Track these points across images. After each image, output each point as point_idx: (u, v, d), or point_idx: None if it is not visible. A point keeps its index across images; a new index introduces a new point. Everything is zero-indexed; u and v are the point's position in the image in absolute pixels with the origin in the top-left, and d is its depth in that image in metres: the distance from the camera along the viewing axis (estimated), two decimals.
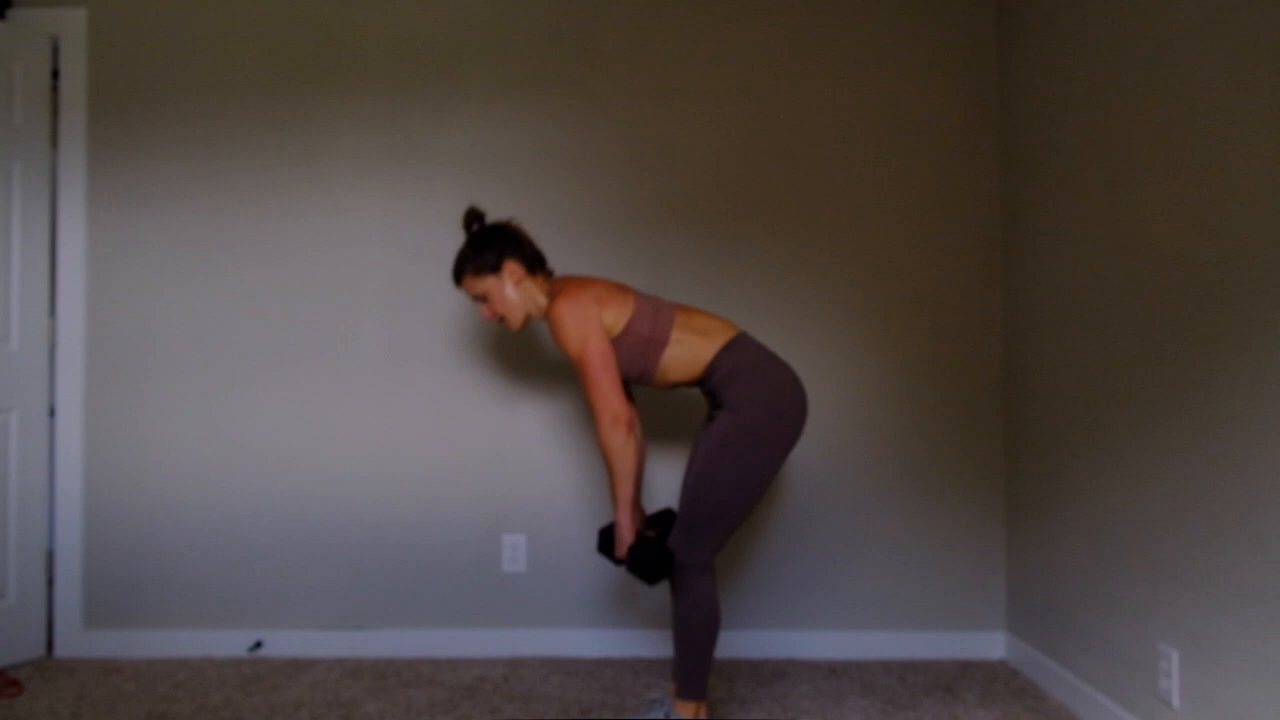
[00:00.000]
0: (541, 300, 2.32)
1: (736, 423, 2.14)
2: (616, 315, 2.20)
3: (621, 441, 2.14)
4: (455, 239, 3.02)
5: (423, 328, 3.02)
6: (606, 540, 2.31)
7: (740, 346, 2.22)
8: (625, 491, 2.17)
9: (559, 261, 3.00)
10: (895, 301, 3.00)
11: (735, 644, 2.97)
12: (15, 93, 2.92)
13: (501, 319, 2.33)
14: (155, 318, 3.04)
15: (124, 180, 3.05)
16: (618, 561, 2.27)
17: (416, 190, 3.04)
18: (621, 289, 2.27)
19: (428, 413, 3.02)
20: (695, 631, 2.15)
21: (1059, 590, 2.60)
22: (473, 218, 2.35)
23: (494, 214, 3.01)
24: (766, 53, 3.02)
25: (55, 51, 3.04)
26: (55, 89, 3.04)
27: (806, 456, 2.99)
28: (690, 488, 2.16)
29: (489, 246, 2.28)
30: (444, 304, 3.02)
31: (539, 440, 3.02)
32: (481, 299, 2.31)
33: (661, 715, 2.23)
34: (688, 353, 2.22)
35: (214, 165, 3.05)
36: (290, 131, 3.04)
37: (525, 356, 3.02)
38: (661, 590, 2.98)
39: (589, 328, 2.16)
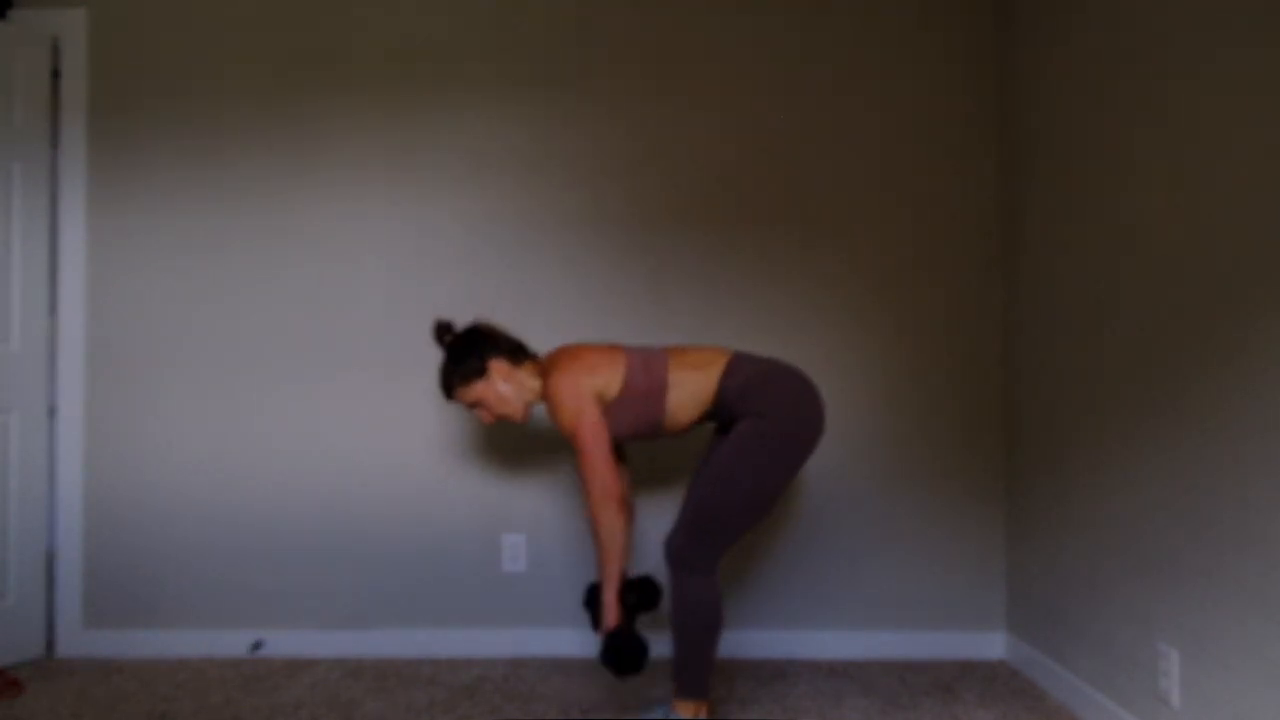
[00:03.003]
0: (535, 385, 2.31)
1: (758, 428, 2.12)
2: (609, 378, 2.19)
3: (612, 518, 2.12)
4: (456, 239, 3.02)
5: (423, 327, 3.02)
6: (593, 601, 2.30)
7: (741, 364, 2.22)
8: (613, 568, 2.15)
9: (559, 262, 3.01)
10: (895, 301, 3.00)
11: (735, 644, 2.97)
12: (15, 93, 2.92)
13: (502, 417, 2.32)
14: (155, 317, 3.05)
15: (124, 180, 3.05)
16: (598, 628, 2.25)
17: (417, 189, 3.04)
18: (610, 350, 2.26)
19: (428, 412, 3.02)
20: (696, 631, 2.15)
21: (1059, 590, 2.60)
22: (443, 330, 2.34)
23: (495, 213, 3.02)
24: (767, 53, 3.02)
25: (55, 52, 3.04)
26: (55, 89, 3.04)
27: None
28: (704, 489, 2.14)
29: (469, 353, 2.27)
30: (445, 303, 3.02)
31: (539, 440, 3.02)
32: (477, 405, 2.30)
33: (661, 715, 2.23)
34: (691, 391, 2.21)
35: (214, 165, 3.05)
36: (291, 131, 3.05)
37: None
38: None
39: (582, 401, 2.15)
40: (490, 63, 3.04)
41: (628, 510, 2.18)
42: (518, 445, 3.02)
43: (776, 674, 2.81)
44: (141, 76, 3.06)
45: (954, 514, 2.99)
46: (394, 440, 3.02)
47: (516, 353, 2.32)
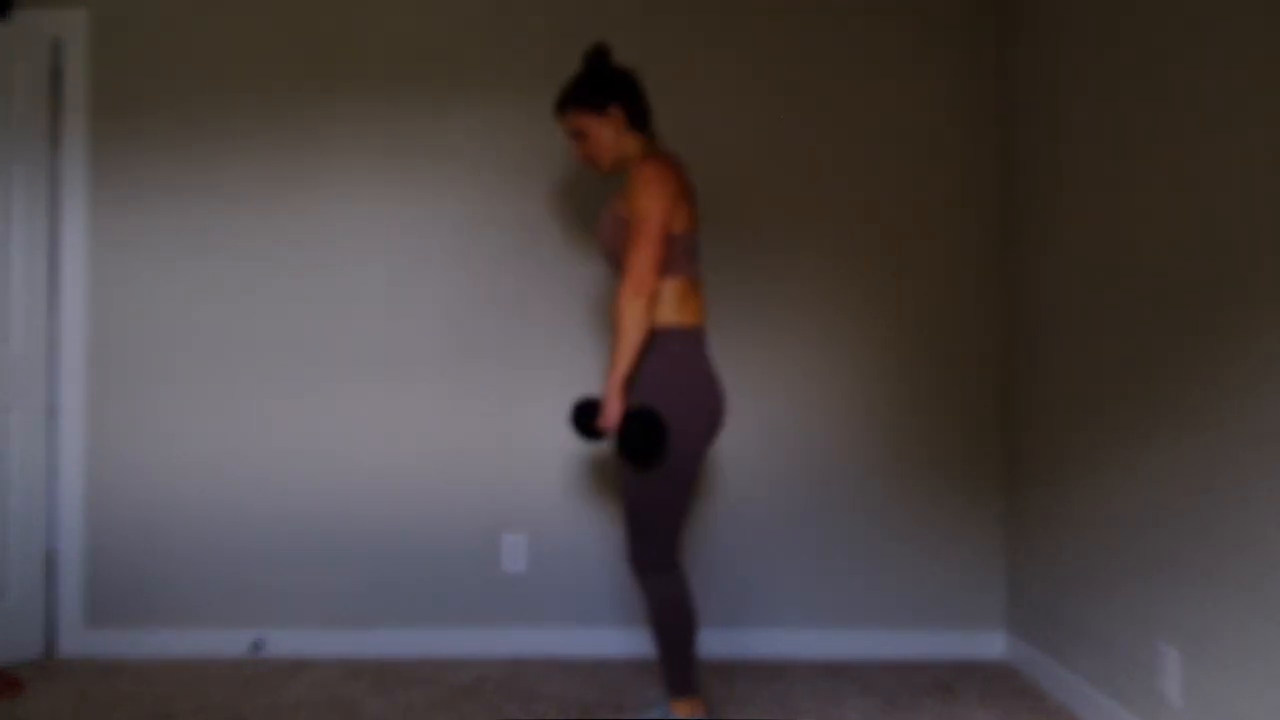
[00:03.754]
0: (631, 153, 2.30)
1: None
2: (677, 221, 2.17)
3: (639, 311, 2.09)
4: (456, 239, 3.02)
5: (424, 327, 3.03)
6: (584, 414, 2.20)
7: (693, 340, 2.19)
8: (625, 363, 2.10)
9: (558, 260, 3.01)
10: (894, 300, 3.00)
11: (734, 643, 2.97)
12: (15, 93, 2.92)
13: (589, 159, 2.31)
14: (156, 317, 3.05)
15: (125, 180, 3.05)
16: (591, 436, 2.19)
17: (417, 191, 3.04)
18: (693, 210, 2.25)
19: (428, 413, 3.02)
20: (671, 631, 2.16)
21: (1059, 590, 2.60)
22: (602, 52, 2.32)
23: (495, 215, 3.02)
24: (767, 55, 3.02)
25: (56, 52, 3.04)
26: (56, 90, 3.05)
27: (805, 455, 2.99)
28: (625, 491, 2.19)
29: (603, 86, 2.27)
30: (445, 304, 3.03)
31: (539, 440, 3.02)
32: (578, 135, 2.30)
33: (660, 715, 2.23)
34: (657, 309, 2.17)
35: (215, 165, 3.05)
36: (291, 131, 3.05)
37: (525, 358, 3.02)
38: None
39: (665, 201, 2.13)
40: (491, 64, 3.04)
41: (652, 316, 2.14)
42: (518, 445, 3.02)
43: (775, 673, 2.81)
44: (142, 77, 3.06)
45: (954, 514, 2.99)
46: (394, 440, 3.02)
47: (639, 117, 2.30)
